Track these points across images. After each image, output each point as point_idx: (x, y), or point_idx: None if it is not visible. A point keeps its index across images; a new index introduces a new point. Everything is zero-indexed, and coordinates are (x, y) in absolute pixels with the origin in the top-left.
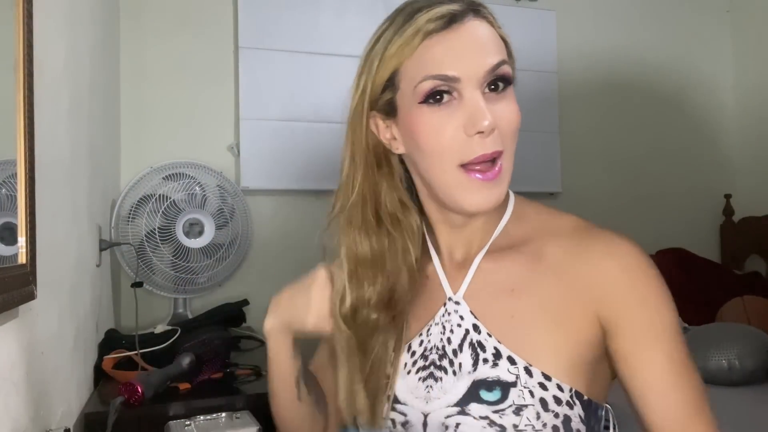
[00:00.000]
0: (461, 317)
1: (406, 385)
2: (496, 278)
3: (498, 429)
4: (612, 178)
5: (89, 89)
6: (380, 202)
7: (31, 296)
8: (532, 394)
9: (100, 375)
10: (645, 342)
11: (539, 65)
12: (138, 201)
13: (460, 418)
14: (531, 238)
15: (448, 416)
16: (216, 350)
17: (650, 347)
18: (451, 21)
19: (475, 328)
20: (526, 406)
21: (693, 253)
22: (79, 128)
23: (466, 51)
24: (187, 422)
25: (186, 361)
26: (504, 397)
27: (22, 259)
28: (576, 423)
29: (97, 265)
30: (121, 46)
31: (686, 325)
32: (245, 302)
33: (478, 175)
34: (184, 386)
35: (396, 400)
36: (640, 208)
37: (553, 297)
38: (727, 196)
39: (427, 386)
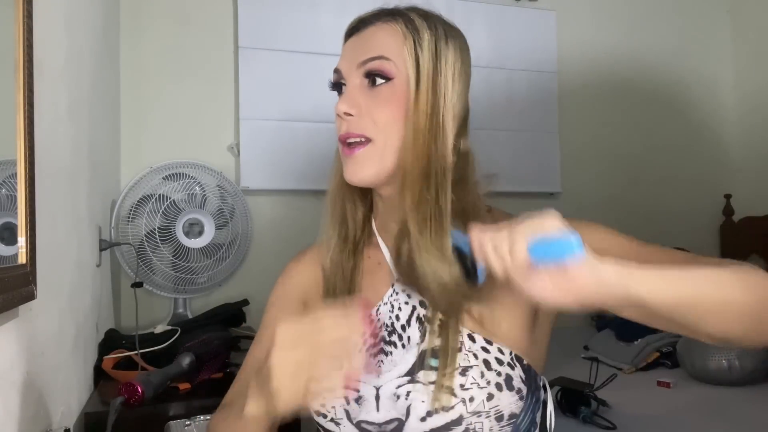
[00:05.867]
0: (408, 295)
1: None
2: None
3: (446, 390)
4: (612, 178)
5: (89, 89)
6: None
7: (31, 296)
8: (476, 356)
9: (100, 375)
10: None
11: (539, 65)
12: (138, 201)
13: (410, 386)
14: None
15: (399, 386)
16: (216, 350)
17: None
18: (355, 29)
19: (422, 303)
20: (471, 367)
21: (693, 253)
22: (79, 128)
23: (354, 49)
24: (187, 422)
25: (186, 361)
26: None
27: (22, 259)
28: (517, 382)
29: (97, 265)
30: (121, 46)
31: None
32: (245, 302)
33: (344, 152)
34: (184, 386)
35: None
36: (640, 208)
37: None
38: (727, 196)
39: (378, 361)
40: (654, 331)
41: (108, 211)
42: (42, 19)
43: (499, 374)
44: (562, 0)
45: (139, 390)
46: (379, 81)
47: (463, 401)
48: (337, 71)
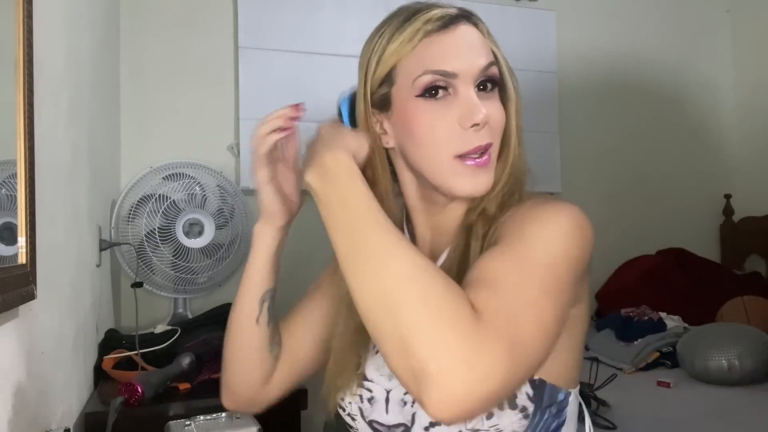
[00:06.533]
0: None
1: (374, 364)
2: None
3: None
4: (612, 178)
5: (89, 89)
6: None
7: (31, 296)
8: None
9: (100, 375)
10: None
11: (539, 65)
12: (138, 201)
13: None
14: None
15: (406, 392)
16: (216, 350)
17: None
18: (447, 24)
19: None
20: None
21: (693, 253)
22: (79, 128)
23: (462, 50)
24: (187, 422)
25: (186, 361)
26: None
27: (22, 259)
28: (522, 399)
29: (97, 265)
30: (121, 46)
31: (686, 325)
32: None
33: (470, 162)
34: (184, 386)
35: (364, 378)
36: (639, 208)
37: None
38: (727, 196)
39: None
40: (654, 331)
41: (108, 211)
42: (42, 19)
43: None
44: (562, 0)
45: (139, 390)
46: (491, 86)
47: None
48: (450, 75)
